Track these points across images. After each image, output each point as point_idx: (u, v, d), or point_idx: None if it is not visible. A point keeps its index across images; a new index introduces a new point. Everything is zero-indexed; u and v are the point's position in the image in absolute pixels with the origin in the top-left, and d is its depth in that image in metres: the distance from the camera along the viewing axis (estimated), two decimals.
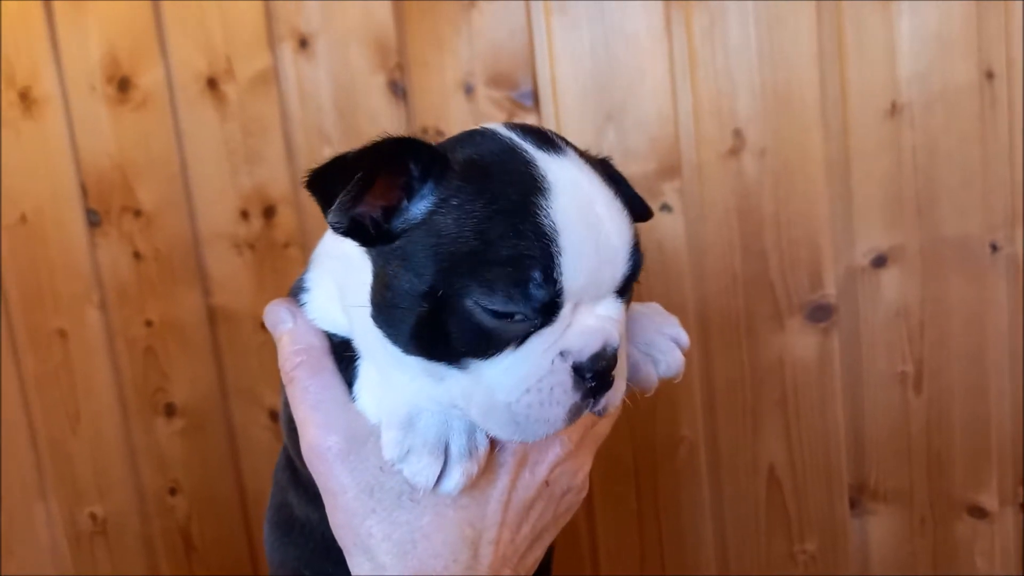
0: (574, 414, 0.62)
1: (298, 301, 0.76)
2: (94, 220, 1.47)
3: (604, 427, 0.76)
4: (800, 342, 1.35)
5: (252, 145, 1.42)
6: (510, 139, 0.65)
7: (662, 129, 1.32)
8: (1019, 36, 1.22)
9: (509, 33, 1.33)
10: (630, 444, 1.42)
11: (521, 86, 1.34)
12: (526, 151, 0.64)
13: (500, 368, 0.62)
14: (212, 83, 1.41)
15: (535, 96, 1.33)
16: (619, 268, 0.64)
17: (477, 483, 0.67)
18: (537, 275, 0.59)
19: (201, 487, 1.55)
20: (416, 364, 0.65)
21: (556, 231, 0.60)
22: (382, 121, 1.36)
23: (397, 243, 0.64)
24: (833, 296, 1.33)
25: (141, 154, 1.44)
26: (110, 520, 1.58)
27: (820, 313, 1.34)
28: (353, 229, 0.63)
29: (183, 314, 1.49)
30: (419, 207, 0.63)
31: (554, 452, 0.70)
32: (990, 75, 1.24)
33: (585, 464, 0.74)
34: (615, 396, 0.64)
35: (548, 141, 0.66)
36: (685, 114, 1.31)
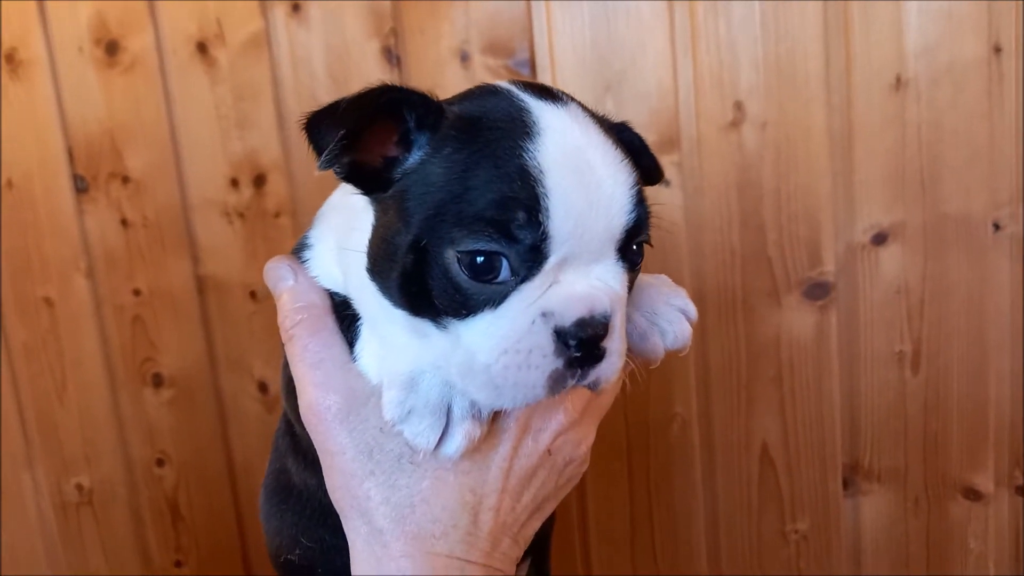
0: (556, 382, 0.59)
1: (300, 258, 0.75)
2: (82, 186, 1.45)
3: (607, 399, 0.75)
4: (797, 319, 1.33)
5: (243, 111, 1.39)
6: (509, 91, 0.64)
7: (662, 101, 1.29)
8: None
9: (506, 0, 1.30)
10: (623, 420, 1.41)
11: (518, 54, 1.31)
12: (523, 101, 0.62)
13: (479, 329, 0.60)
14: (202, 47, 1.38)
15: (532, 65, 1.30)
16: (615, 219, 0.60)
17: (479, 448, 0.66)
18: (521, 216, 0.57)
19: (189, 458, 1.54)
20: (403, 319, 0.64)
21: (542, 172, 0.58)
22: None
23: (392, 191, 0.63)
24: (832, 273, 1.31)
25: (130, 119, 1.41)
26: (97, 491, 1.57)
27: (818, 290, 1.32)
28: (353, 176, 0.63)
29: (172, 283, 1.47)
30: (415, 157, 0.63)
31: (557, 420, 0.69)
32: (998, 50, 1.21)
33: (588, 435, 0.72)
34: (607, 371, 0.61)
35: (550, 94, 0.64)
36: (685, 86, 1.28)
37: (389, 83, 0.61)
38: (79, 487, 1.57)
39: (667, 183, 1.31)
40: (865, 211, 1.29)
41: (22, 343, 1.51)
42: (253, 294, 1.45)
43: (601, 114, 0.69)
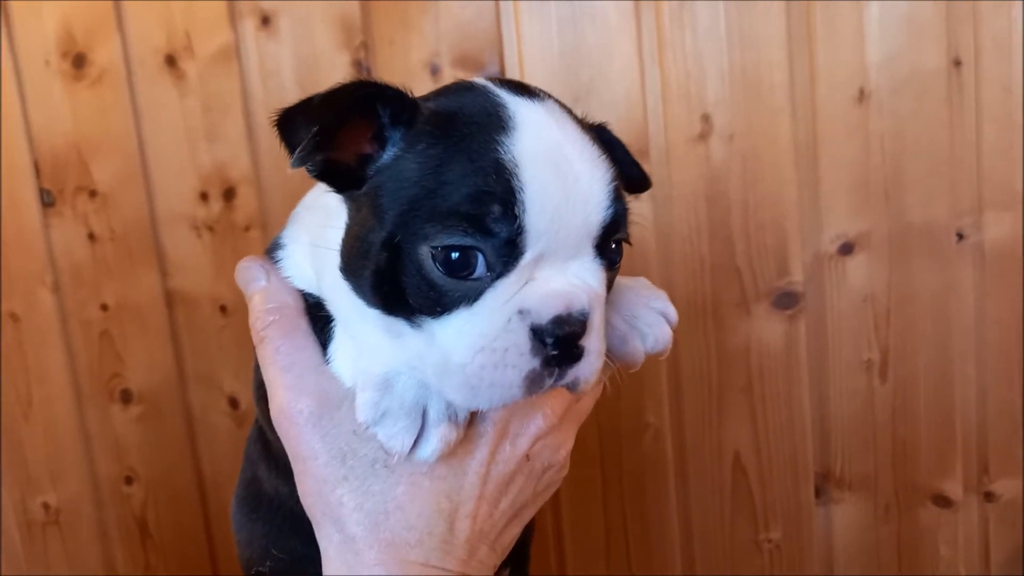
0: (533, 382, 0.58)
1: (273, 258, 0.73)
2: (48, 200, 1.43)
3: (587, 404, 0.74)
4: (767, 329, 1.34)
5: (212, 123, 1.38)
6: (485, 87, 0.63)
7: (630, 112, 1.30)
8: (987, 24, 1.22)
9: (476, 13, 1.30)
10: (596, 429, 1.41)
11: (488, 66, 1.31)
12: (499, 96, 0.62)
13: (454, 328, 0.59)
14: (171, 59, 1.37)
15: (502, 76, 1.31)
16: (593, 214, 0.59)
17: (455, 453, 0.64)
18: (496, 209, 0.56)
19: (158, 475, 1.51)
20: (376, 319, 0.62)
21: (517, 166, 0.57)
22: None
23: (365, 188, 0.62)
24: (800, 283, 1.32)
25: (97, 132, 1.40)
26: (63, 509, 1.54)
27: (787, 300, 1.33)
28: (327, 174, 0.62)
29: (140, 297, 1.45)
30: (389, 153, 0.61)
31: (536, 425, 0.67)
32: (958, 63, 1.24)
33: (567, 441, 0.71)
34: (586, 372, 0.60)
35: (526, 90, 0.64)
36: (653, 97, 1.29)
37: (363, 79, 0.61)
38: (45, 505, 1.54)
39: (636, 196, 1.32)
40: (831, 221, 1.30)
41: None
42: (223, 308, 1.44)
43: (583, 116, 0.69)
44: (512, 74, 1.31)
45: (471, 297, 0.58)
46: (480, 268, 0.58)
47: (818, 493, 1.39)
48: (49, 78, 1.39)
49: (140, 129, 1.39)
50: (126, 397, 1.49)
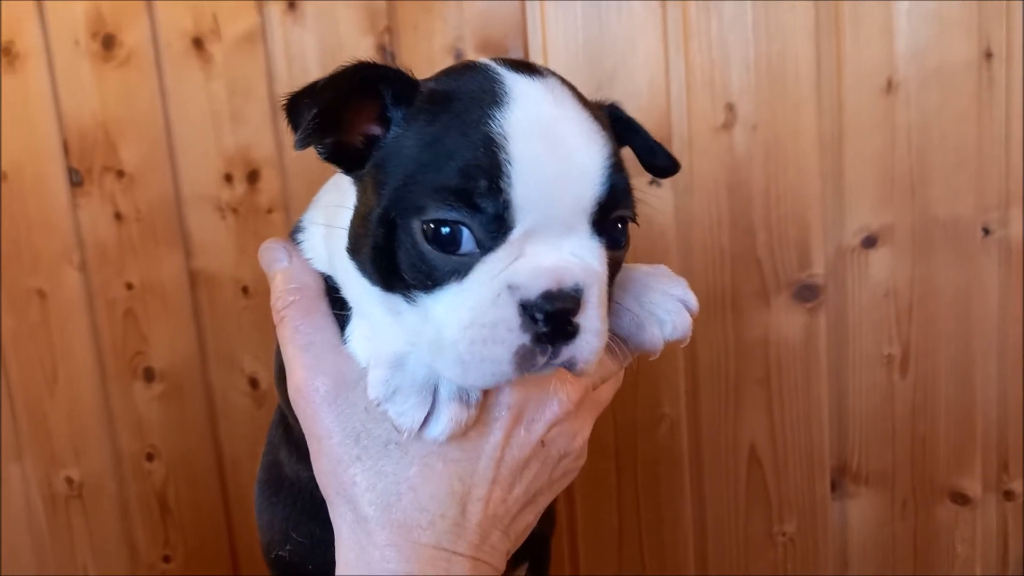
0: (523, 359, 0.57)
1: (295, 240, 0.74)
2: (76, 179, 1.45)
3: (606, 393, 0.73)
4: (786, 321, 1.33)
5: (237, 106, 1.39)
6: (487, 66, 0.63)
7: (653, 100, 1.29)
8: (1019, 16, 1.20)
9: None
10: (611, 419, 1.41)
11: (511, 52, 1.31)
12: (498, 74, 0.62)
13: (445, 303, 0.59)
14: (198, 42, 1.38)
15: None
16: (585, 189, 0.59)
17: (468, 437, 0.64)
18: (482, 183, 0.57)
19: (178, 453, 1.54)
20: (378, 297, 0.63)
21: (505, 139, 0.57)
22: None
23: (368, 167, 0.63)
24: (821, 276, 1.31)
25: (124, 113, 1.42)
26: (86, 484, 1.56)
27: (807, 292, 1.32)
28: (337, 155, 0.64)
29: (164, 277, 1.47)
30: (392, 133, 0.62)
31: (551, 411, 0.67)
32: (989, 55, 1.22)
33: (584, 429, 0.70)
34: (584, 351, 0.59)
35: (528, 68, 0.64)
36: (677, 85, 1.28)
37: (366, 60, 0.61)
38: (68, 480, 1.56)
39: (658, 183, 1.31)
40: (855, 213, 1.29)
41: (12, 335, 1.51)
42: (245, 289, 1.45)
43: (598, 101, 0.69)
44: (535, 60, 1.30)
45: (461, 272, 0.58)
46: (469, 243, 0.58)
47: (834, 487, 1.38)
48: (78, 58, 1.40)
49: (167, 111, 1.41)
50: (149, 375, 1.51)
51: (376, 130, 0.63)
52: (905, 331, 1.31)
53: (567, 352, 0.58)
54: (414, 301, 0.60)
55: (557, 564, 1.47)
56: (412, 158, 0.60)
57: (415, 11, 1.32)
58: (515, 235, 0.58)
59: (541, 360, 0.58)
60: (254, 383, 1.49)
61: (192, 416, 1.52)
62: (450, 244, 0.58)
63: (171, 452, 1.54)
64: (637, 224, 0.66)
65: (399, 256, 0.60)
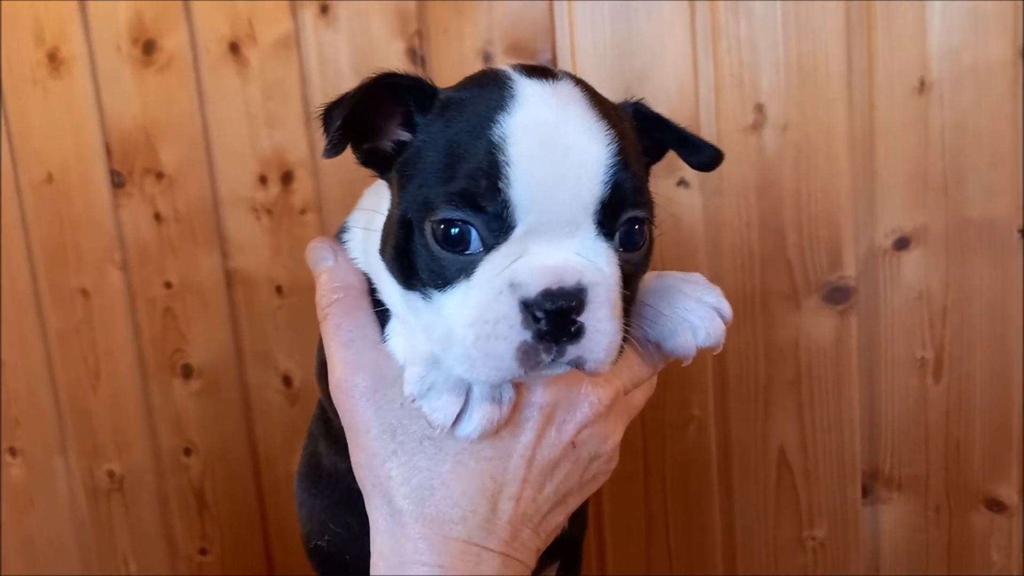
0: (526, 355, 0.58)
1: (341, 240, 0.77)
2: (118, 181, 1.49)
3: (639, 398, 0.75)
4: (816, 323, 1.32)
5: (272, 109, 1.42)
6: (504, 72, 0.66)
7: (682, 101, 1.29)
8: None
9: (529, 1, 1.31)
10: (639, 421, 1.40)
11: (540, 54, 1.32)
12: (510, 79, 0.64)
13: (454, 301, 0.61)
14: (234, 47, 1.41)
15: (554, 65, 1.31)
16: (585, 189, 0.60)
17: (500, 436, 0.66)
18: (483, 183, 0.59)
19: (215, 448, 1.57)
20: (401, 295, 0.66)
21: (505, 141, 0.59)
22: None
23: (394, 171, 0.67)
24: (852, 277, 1.29)
25: (164, 116, 1.46)
26: (127, 477, 1.61)
27: (838, 294, 1.30)
28: (371, 161, 0.68)
29: (201, 276, 1.50)
30: (417, 138, 0.65)
31: (582, 412, 0.68)
32: None
33: (616, 432, 0.71)
34: (593, 350, 0.60)
35: (544, 73, 0.65)
36: (706, 86, 1.28)
37: (389, 70, 0.64)
38: (110, 473, 1.61)
39: (687, 184, 1.31)
40: (887, 214, 1.27)
41: (57, 332, 1.56)
42: (279, 289, 1.48)
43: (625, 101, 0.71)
44: (564, 62, 1.31)
45: (468, 271, 0.60)
46: (474, 242, 0.60)
47: (865, 492, 1.36)
48: (120, 64, 1.45)
49: (204, 114, 1.45)
50: (187, 372, 1.55)
51: (405, 135, 0.67)
52: (939, 334, 1.29)
53: (574, 351, 0.59)
54: (430, 299, 0.63)
55: (585, 565, 1.47)
56: (427, 162, 0.63)
57: (445, 14, 1.34)
58: (517, 234, 0.60)
59: (546, 358, 0.59)
60: (288, 381, 1.52)
61: (228, 412, 1.55)
62: (457, 243, 0.60)
63: (208, 447, 1.58)
64: (654, 225, 0.67)
65: (416, 256, 0.63)
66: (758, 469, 1.39)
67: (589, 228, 0.61)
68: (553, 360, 0.59)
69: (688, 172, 1.30)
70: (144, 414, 1.58)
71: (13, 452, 1.62)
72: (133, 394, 1.57)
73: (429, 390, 0.63)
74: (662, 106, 1.27)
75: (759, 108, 1.27)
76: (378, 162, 0.68)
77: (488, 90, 0.64)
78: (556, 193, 0.59)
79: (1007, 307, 1.26)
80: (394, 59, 1.36)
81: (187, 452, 1.58)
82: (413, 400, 0.64)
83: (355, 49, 1.38)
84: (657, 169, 1.26)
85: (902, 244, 1.27)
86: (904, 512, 1.36)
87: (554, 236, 0.60)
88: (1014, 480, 1.31)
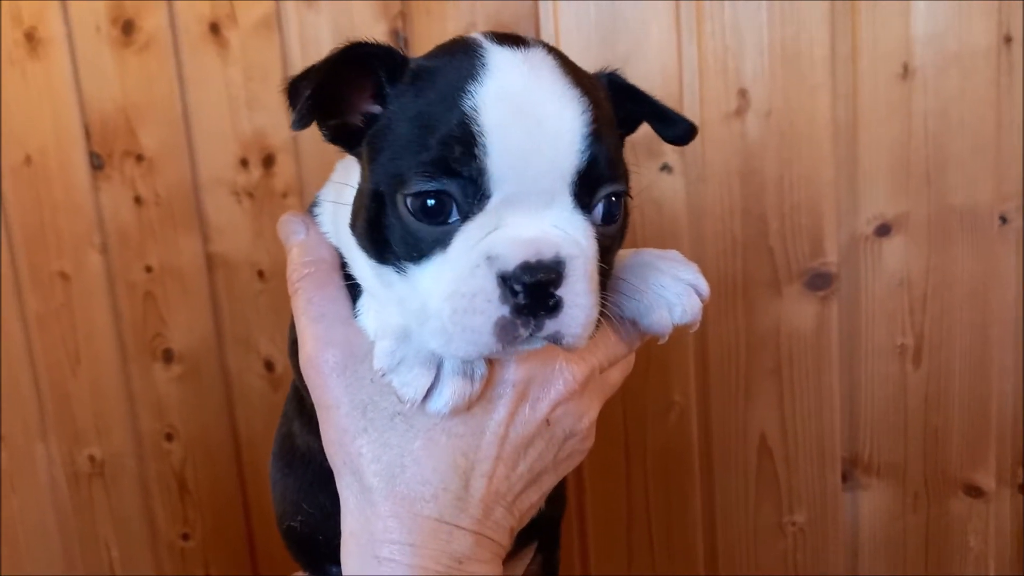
0: (504, 330, 0.57)
1: (313, 215, 0.76)
2: (97, 164, 1.48)
3: (615, 376, 0.74)
4: (798, 310, 1.32)
5: (253, 92, 1.41)
6: (475, 40, 0.64)
7: (665, 86, 1.28)
8: None
9: None
10: (620, 407, 1.41)
11: None
12: (481, 47, 0.63)
13: (430, 274, 0.60)
14: (215, 28, 1.40)
15: None
16: (561, 158, 0.59)
17: (473, 413, 0.65)
18: (457, 150, 0.57)
19: (196, 433, 1.57)
20: (373, 270, 0.65)
21: (478, 110, 0.58)
22: None
23: (363, 145, 0.65)
24: (834, 264, 1.29)
25: (144, 98, 1.44)
26: (108, 462, 1.60)
27: (820, 281, 1.30)
28: (340, 137, 0.66)
29: (182, 260, 1.49)
30: (387, 110, 0.64)
31: (556, 390, 0.67)
32: (1008, 39, 1.19)
33: (591, 410, 0.70)
34: (570, 325, 0.59)
35: (516, 41, 0.64)
36: (690, 71, 1.27)
37: (360, 40, 0.63)
38: (91, 458, 1.60)
39: (669, 170, 1.30)
40: (869, 201, 1.27)
41: (37, 316, 1.55)
42: (261, 273, 1.47)
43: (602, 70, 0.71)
44: None
45: (443, 242, 0.59)
46: (450, 213, 0.59)
47: (845, 478, 1.37)
48: (99, 44, 1.43)
49: (185, 96, 1.43)
50: (168, 357, 1.54)
51: (375, 108, 0.65)
52: (919, 321, 1.29)
53: (552, 326, 0.58)
54: (404, 272, 0.62)
55: (566, 549, 1.48)
56: (398, 133, 0.62)
57: None
58: (492, 203, 0.58)
59: (524, 333, 0.58)
60: (269, 366, 1.51)
61: (209, 397, 1.54)
62: (433, 214, 0.59)
63: (189, 432, 1.57)
64: (631, 197, 0.66)
65: (389, 228, 0.62)
66: (739, 455, 1.39)
67: (565, 199, 0.60)
68: (531, 335, 0.58)
69: (671, 157, 1.29)
70: (125, 399, 1.57)
71: None
72: (114, 379, 1.56)
73: (399, 364, 0.63)
74: (645, 88, 1.27)
75: (743, 93, 1.26)
76: (346, 138, 0.66)
77: (459, 59, 0.62)
78: (532, 162, 0.58)
79: (987, 294, 1.26)
80: (377, 39, 1.35)
81: (168, 437, 1.58)
82: (383, 374, 0.63)
83: (337, 31, 1.36)
84: (640, 153, 1.26)
85: (884, 231, 1.27)
86: (883, 498, 1.37)
87: (530, 207, 0.59)
88: (991, 466, 1.32)
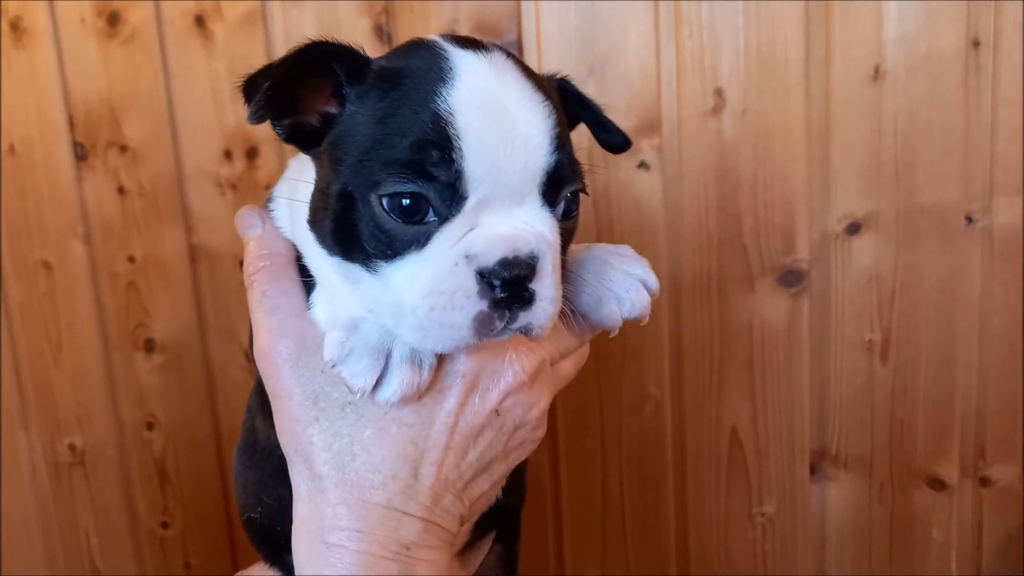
0: (482, 324, 0.60)
1: (269, 209, 0.78)
2: (81, 154, 1.49)
3: (567, 367, 0.75)
4: (770, 305, 1.35)
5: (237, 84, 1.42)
6: (434, 43, 0.66)
7: (643, 85, 1.31)
8: (1008, 4, 1.20)
9: None
10: (597, 398, 1.43)
11: (505, 35, 1.33)
12: (444, 50, 0.65)
13: (405, 272, 0.62)
14: (200, 21, 1.41)
15: (519, 46, 1.33)
16: (533, 159, 0.62)
17: (423, 402, 0.67)
18: (434, 154, 0.60)
19: (178, 423, 1.58)
20: (337, 267, 0.66)
21: (452, 113, 0.60)
22: None
23: (324, 145, 0.66)
24: (805, 261, 1.32)
25: (128, 89, 1.45)
26: (88, 452, 1.61)
27: (791, 277, 1.33)
28: (295, 136, 0.67)
29: (165, 251, 1.50)
30: (347, 110, 0.65)
31: (506, 381, 0.69)
32: (976, 43, 1.22)
33: (540, 400, 0.72)
34: (539, 317, 0.62)
35: (473, 44, 0.66)
36: (668, 71, 1.30)
37: (320, 39, 0.64)
38: (72, 447, 1.61)
39: (647, 167, 1.33)
40: (840, 200, 1.30)
41: (19, 305, 1.55)
42: (243, 264, 1.48)
43: (553, 75, 0.73)
44: (529, 44, 1.32)
45: (420, 242, 0.61)
46: (425, 213, 0.61)
47: (813, 470, 1.40)
48: (84, 35, 1.44)
49: (169, 88, 1.44)
50: (149, 346, 1.55)
51: (332, 108, 0.66)
52: (887, 317, 1.32)
53: (524, 317, 0.61)
54: (374, 270, 0.63)
55: (541, 537, 1.50)
56: (366, 135, 0.63)
57: None
58: (469, 205, 0.61)
59: (499, 325, 0.61)
60: (250, 357, 1.52)
61: (191, 387, 1.56)
62: (409, 214, 0.61)
63: (170, 422, 1.58)
64: (587, 194, 0.69)
65: (359, 228, 0.63)
66: (711, 447, 1.42)
67: (535, 198, 0.63)
68: (504, 327, 0.61)
69: (649, 154, 1.32)
70: (106, 388, 1.58)
71: None
72: (95, 368, 1.57)
73: (348, 355, 0.64)
74: (624, 89, 1.31)
75: (719, 93, 1.29)
76: (302, 137, 0.68)
77: (424, 61, 0.64)
78: (507, 163, 0.61)
79: (953, 292, 1.30)
80: (360, 36, 1.36)
81: (149, 426, 1.59)
82: (333, 365, 0.64)
83: (322, 26, 1.38)
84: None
85: (854, 229, 1.31)
86: (850, 490, 1.40)
87: (503, 206, 0.61)
88: (955, 460, 1.36)
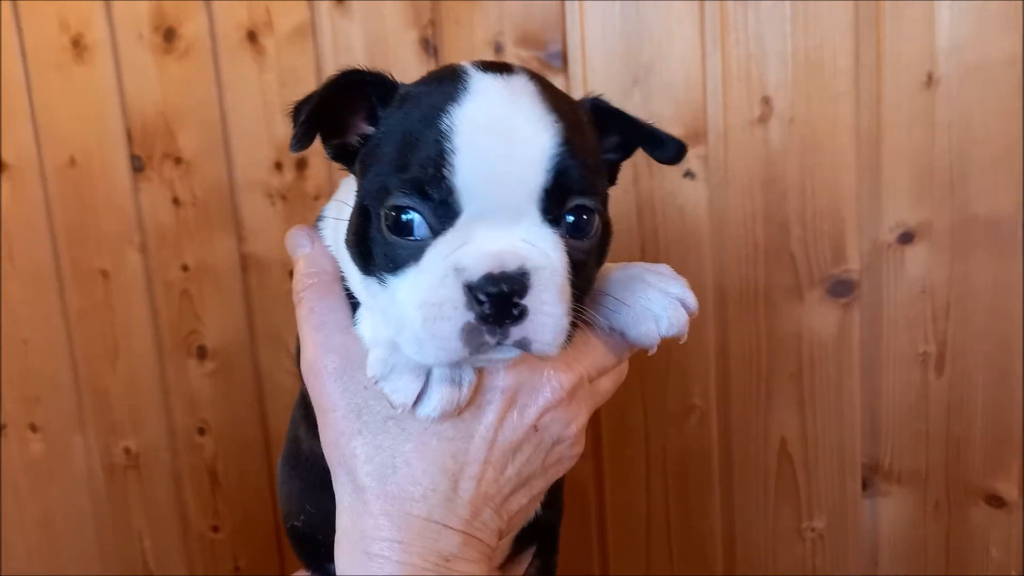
0: (471, 335, 0.60)
1: (318, 228, 0.80)
2: (138, 166, 1.53)
3: (606, 385, 0.76)
4: (819, 316, 1.33)
5: (288, 97, 1.42)
6: (463, 68, 0.68)
7: (689, 94, 1.30)
8: None
9: None
10: (641, 409, 1.42)
11: (550, 46, 1.34)
12: (466, 73, 0.67)
13: (406, 285, 0.64)
14: (252, 35, 1.44)
15: (564, 57, 1.33)
16: (529, 176, 0.62)
17: (463, 417, 0.68)
18: (429, 171, 0.62)
19: (228, 428, 1.61)
20: (363, 282, 0.69)
21: (452, 131, 0.62)
22: (413, 77, 1.38)
23: (356, 163, 0.70)
24: (856, 271, 1.30)
25: (183, 103, 1.49)
26: (142, 455, 1.65)
27: (841, 288, 1.31)
28: (341, 156, 0.72)
29: (217, 260, 1.54)
30: (378, 131, 0.69)
31: (544, 396, 0.70)
32: None
33: (579, 416, 0.73)
34: (538, 332, 0.61)
35: (501, 68, 0.68)
36: (713, 79, 1.29)
37: (353, 67, 0.68)
38: (126, 451, 1.65)
39: (692, 176, 1.32)
40: (892, 209, 1.27)
41: (78, 311, 1.60)
42: (292, 273, 1.51)
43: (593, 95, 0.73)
44: (573, 55, 1.33)
45: (417, 256, 0.63)
46: (422, 228, 0.63)
47: (865, 485, 1.37)
48: (142, 51, 1.48)
49: (222, 101, 1.48)
50: (201, 353, 1.58)
51: (369, 129, 0.70)
52: (941, 329, 1.29)
53: (518, 332, 0.61)
54: (385, 284, 0.66)
55: (586, 551, 1.50)
56: (383, 153, 0.66)
57: (458, 6, 1.36)
58: (463, 220, 0.62)
59: (490, 339, 0.61)
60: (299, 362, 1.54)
61: (241, 393, 1.59)
62: (406, 230, 0.64)
63: (221, 427, 1.61)
64: (605, 215, 0.69)
65: (373, 242, 0.66)
66: (758, 460, 1.40)
67: (534, 215, 0.63)
68: (498, 343, 0.61)
69: (695, 163, 1.31)
70: (160, 393, 1.61)
71: (34, 428, 1.67)
72: (149, 374, 1.61)
73: (391, 372, 0.66)
74: (669, 98, 1.30)
75: (766, 101, 1.28)
76: (347, 157, 0.72)
77: (444, 84, 0.66)
78: (500, 180, 0.62)
79: (1009, 304, 1.26)
80: (407, 49, 1.38)
81: (201, 431, 1.62)
82: (376, 381, 0.66)
83: (370, 39, 1.40)
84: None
85: (906, 239, 1.28)
86: (903, 506, 1.37)
87: (499, 222, 0.62)
88: (1014, 476, 1.31)
